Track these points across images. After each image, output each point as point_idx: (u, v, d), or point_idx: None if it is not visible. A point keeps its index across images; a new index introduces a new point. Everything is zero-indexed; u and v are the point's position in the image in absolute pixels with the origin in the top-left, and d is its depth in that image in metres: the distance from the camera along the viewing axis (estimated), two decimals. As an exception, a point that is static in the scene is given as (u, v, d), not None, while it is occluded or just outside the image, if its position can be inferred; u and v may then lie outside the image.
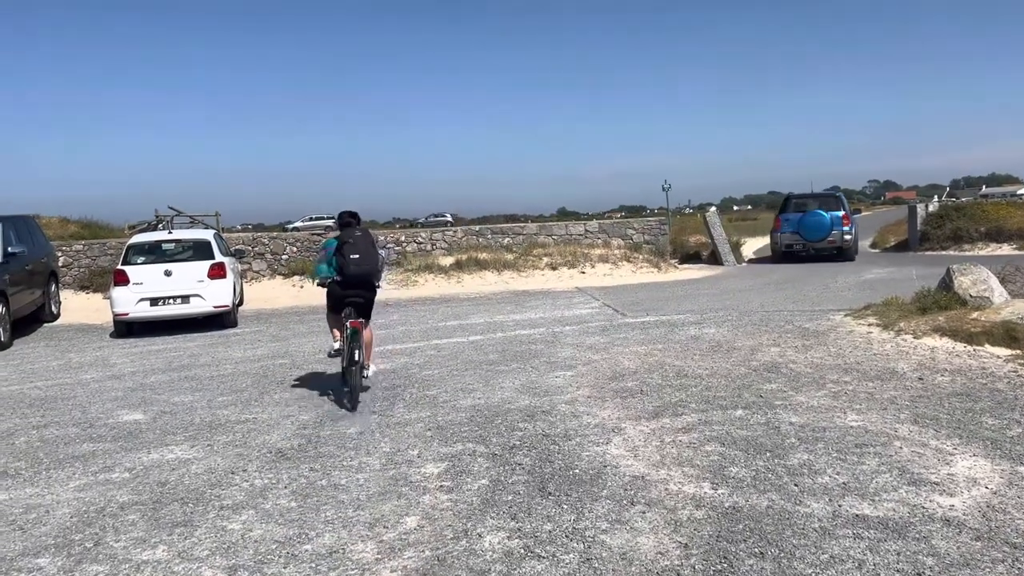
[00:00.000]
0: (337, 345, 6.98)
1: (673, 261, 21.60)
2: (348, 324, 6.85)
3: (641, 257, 20.28)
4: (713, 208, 25.72)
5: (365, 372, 6.98)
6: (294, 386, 7.55)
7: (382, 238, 19.46)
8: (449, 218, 55.78)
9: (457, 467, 4.83)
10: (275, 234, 22.08)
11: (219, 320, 12.41)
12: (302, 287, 17.86)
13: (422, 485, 4.54)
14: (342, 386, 7.00)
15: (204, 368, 8.82)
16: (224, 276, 12.35)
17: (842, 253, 20.73)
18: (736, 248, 22.85)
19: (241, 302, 14.77)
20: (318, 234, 20.73)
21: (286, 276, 18.54)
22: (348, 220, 7.26)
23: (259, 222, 54.76)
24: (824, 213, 20.60)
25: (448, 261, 19.05)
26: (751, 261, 24.28)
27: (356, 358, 6.66)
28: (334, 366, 7.77)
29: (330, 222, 47.27)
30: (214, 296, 12.12)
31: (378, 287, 7.26)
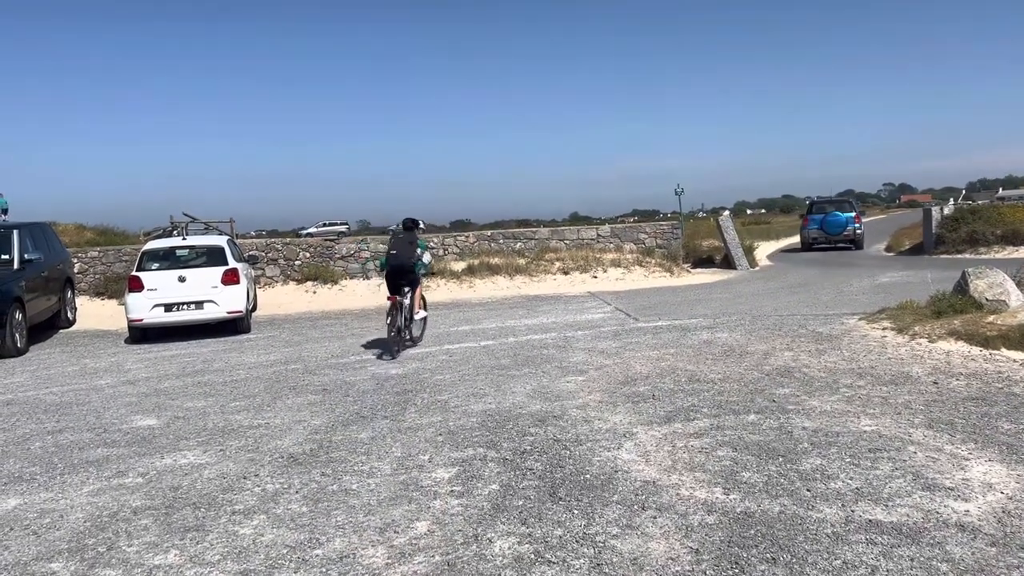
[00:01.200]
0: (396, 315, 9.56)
1: (686, 265, 21.54)
2: (388, 300, 9.68)
3: (654, 261, 20.25)
4: (726, 212, 25.69)
5: (412, 325, 9.78)
6: (306, 391, 7.57)
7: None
8: (421, 225, 55.02)
9: (468, 472, 4.83)
10: (288, 240, 22.19)
11: (232, 326, 12.48)
12: (315, 292, 17.95)
13: (433, 490, 4.54)
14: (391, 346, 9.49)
15: (217, 373, 8.87)
16: (237, 282, 12.43)
17: (854, 243, 26.89)
18: (749, 252, 22.76)
19: (254, 308, 14.85)
20: (331, 240, 20.79)
21: (299, 282, 18.61)
22: (409, 225, 10.27)
23: (273, 228, 54.96)
24: (841, 214, 27.07)
25: (460, 266, 19.09)
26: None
27: (395, 323, 9.41)
28: (347, 370, 8.56)
29: (343, 228, 47.45)
30: (228, 302, 12.19)
31: (424, 274, 10.26)
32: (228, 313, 12.22)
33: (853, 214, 27.36)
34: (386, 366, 8.66)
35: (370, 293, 17.98)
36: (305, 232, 47.37)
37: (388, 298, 9.65)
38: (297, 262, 19.13)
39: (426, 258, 10.07)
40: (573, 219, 73.14)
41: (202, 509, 4.44)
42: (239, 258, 13.69)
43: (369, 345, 10.39)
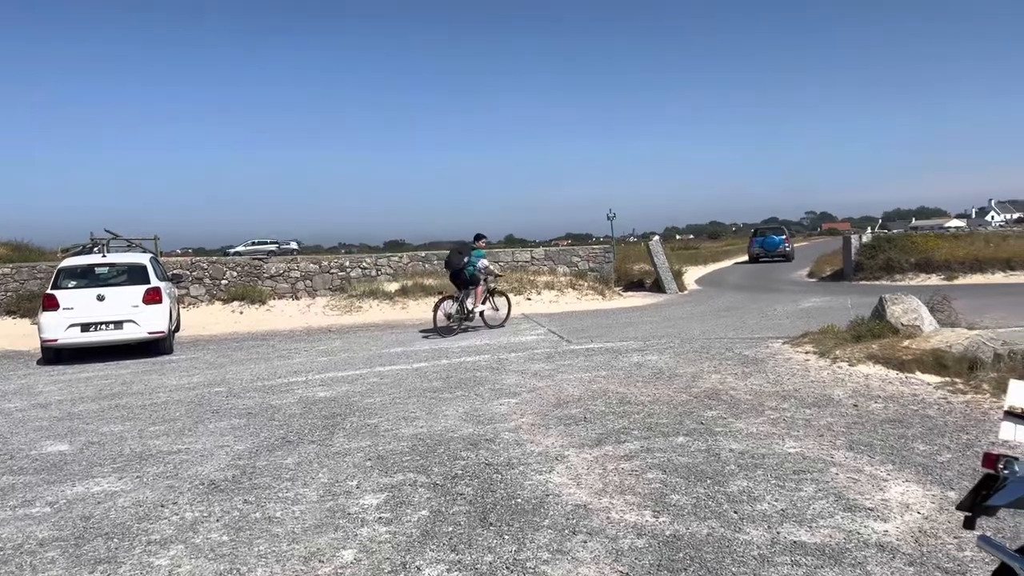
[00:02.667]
0: (448, 305, 13.09)
1: (617, 288, 21.82)
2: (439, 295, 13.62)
3: (586, 284, 20.45)
4: (656, 237, 26.07)
5: (472, 314, 13.13)
6: (230, 415, 7.33)
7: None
8: (295, 246, 49.55)
9: (397, 498, 4.73)
10: (215, 259, 21.58)
11: (154, 347, 12.06)
12: (242, 313, 17.51)
13: (360, 517, 4.43)
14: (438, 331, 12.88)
15: (136, 396, 8.52)
16: (160, 301, 12.03)
17: (786, 257, 36.47)
18: (678, 276, 23.21)
19: (177, 328, 14.38)
20: (259, 259, 20.34)
21: (225, 301, 18.14)
22: (477, 236, 13.55)
23: (199, 246, 53.46)
24: (776, 237, 38.09)
25: (393, 287, 18.91)
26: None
27: (453, 311, 12.90)
28: (273, 393, 8.36)
29: (272, 247, 46.44)
30: (149, 322, 11.78)
31: (479, 277, 13.07)
32: (149, 333, 11.80)
33: (784, 236, 38.50)
34: (314, 389, 8.46)
35: (299, 314, 17.63)
36: (233, 251, 46.14)
37: (439, 293, 13.76)
38: (224, 281, 18.64)
39: (480, 264, 13.00)
40: (508, 241, 73.26)
41: (115, 539, 4.22)
42: (162, 277, 13.26)
43: (295, 367, 10.16)
